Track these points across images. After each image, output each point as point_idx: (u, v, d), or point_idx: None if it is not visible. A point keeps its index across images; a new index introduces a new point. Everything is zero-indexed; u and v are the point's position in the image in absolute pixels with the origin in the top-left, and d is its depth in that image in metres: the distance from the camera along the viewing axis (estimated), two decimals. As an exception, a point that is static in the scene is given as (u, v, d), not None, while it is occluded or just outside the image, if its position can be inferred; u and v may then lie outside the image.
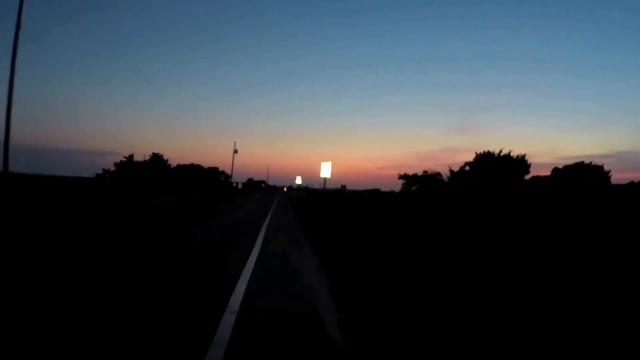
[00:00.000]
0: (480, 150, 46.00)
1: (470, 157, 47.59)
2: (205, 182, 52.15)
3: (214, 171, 59.80)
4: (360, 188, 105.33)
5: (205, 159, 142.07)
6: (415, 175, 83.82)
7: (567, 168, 39.35)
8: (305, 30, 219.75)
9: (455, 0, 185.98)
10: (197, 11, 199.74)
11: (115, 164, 44.86)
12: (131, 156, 44.49)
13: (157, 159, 43.48)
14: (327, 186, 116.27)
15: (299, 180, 78.16)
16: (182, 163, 53.63)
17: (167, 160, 44.75)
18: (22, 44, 13.23)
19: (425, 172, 62.31)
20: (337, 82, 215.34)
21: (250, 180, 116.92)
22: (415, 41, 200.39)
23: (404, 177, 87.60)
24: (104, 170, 45.35)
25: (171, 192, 34.13)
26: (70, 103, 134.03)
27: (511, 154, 39.79)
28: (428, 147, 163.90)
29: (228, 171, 63.12)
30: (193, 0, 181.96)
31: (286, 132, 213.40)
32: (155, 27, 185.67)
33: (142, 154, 47.24)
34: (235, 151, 61.50)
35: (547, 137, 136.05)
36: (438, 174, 54.78)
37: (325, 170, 25.25)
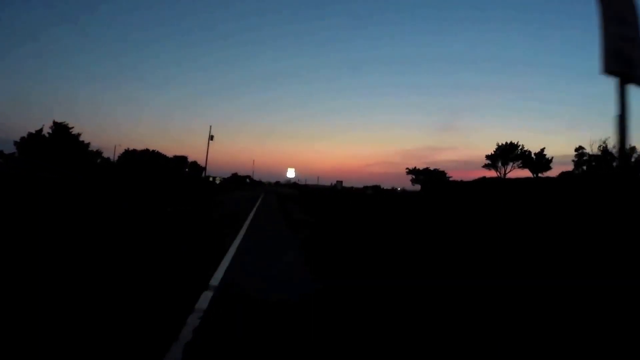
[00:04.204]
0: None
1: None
2: (164, 175, 36.85)
3: (179, 161, 43.77)
4: (349, 184, 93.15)
5: (194, 157, 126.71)
6: (426, 170, 73.61)
7: None
8: (296, 29, 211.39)
9: (439, 4, 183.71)
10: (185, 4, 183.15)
11: (15, 143, 28.87)
12: (39, 131, 28.54)
13: (61, 132, 26.80)
14: (321, 182, 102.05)
15: (291, 174, 62.95)
16: (130, 148, 37.86)
17: (78, 134, 28.05)
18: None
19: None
20: (326, 81, 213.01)
21: (234, 176, 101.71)
22: (402, 43, 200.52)
23: (412, 171, 76.16)
24: (-5, 151, 29.12)
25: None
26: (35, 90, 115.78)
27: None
28: (411, 146, 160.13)
29: (211, 164, 47.59)
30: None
31: (275, 129, 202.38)
32: (130, 12, 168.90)
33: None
34: (211, 137, 46.44)
35: (528, 136, 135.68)
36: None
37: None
